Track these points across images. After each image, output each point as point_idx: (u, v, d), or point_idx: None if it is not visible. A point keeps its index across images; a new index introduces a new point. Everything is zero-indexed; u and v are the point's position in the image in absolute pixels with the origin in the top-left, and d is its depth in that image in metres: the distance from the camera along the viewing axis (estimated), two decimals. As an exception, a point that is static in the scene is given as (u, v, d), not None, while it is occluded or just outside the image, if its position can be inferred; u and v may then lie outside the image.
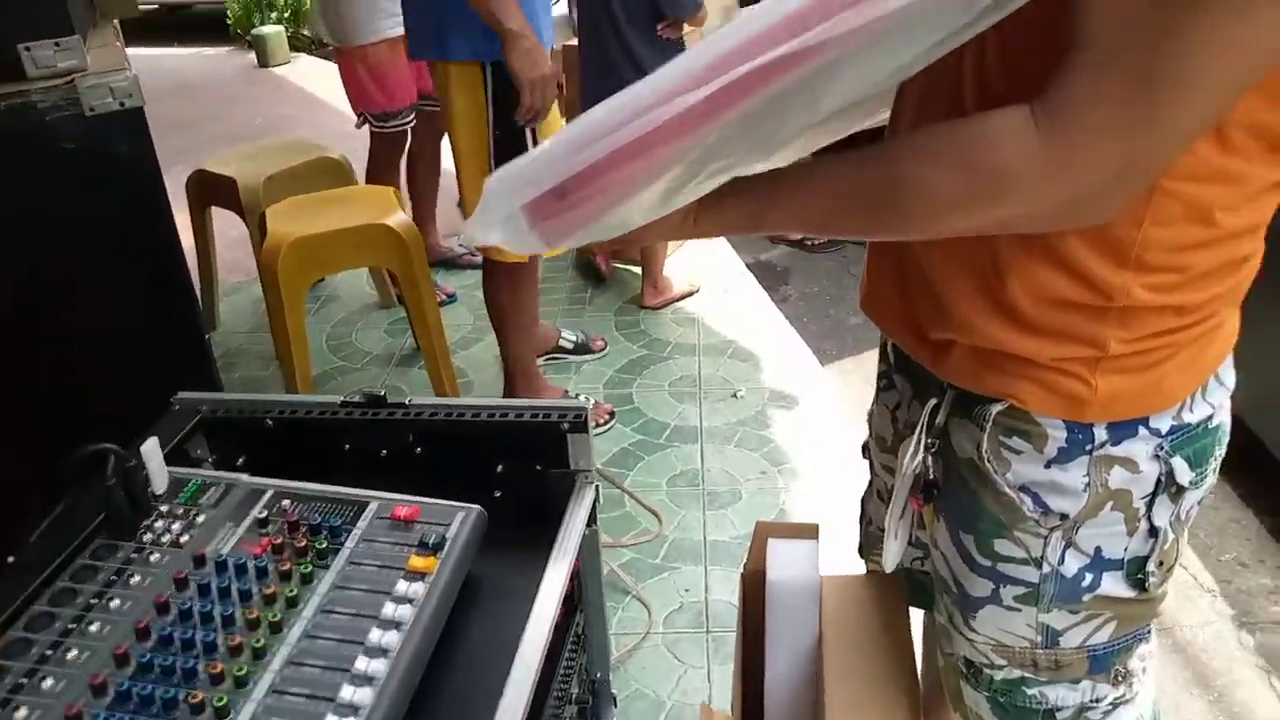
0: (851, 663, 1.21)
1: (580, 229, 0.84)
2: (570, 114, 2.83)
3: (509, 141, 2.33)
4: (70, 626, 0.91)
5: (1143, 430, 0.91)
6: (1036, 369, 0.90)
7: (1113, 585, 0.96)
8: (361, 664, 0.89)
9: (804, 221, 0.90)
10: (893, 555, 1.12)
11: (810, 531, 1.49)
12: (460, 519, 1.08)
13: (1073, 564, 0.95)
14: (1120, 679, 1.02)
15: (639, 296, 3.60)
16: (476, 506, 1.10)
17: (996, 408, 0.93)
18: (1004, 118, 0.74)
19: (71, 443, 1.03)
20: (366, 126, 3.41)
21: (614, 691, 1.44)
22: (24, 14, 1.70)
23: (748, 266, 3.91)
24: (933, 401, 1.00)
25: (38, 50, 1.72)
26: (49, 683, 0.86)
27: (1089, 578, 0.96)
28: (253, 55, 7.50)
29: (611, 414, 2.94)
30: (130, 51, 2.03)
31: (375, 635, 0.92)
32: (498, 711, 0.91)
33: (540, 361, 3.11)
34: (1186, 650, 2.15)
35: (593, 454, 1.25)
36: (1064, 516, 0.93)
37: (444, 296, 3.48)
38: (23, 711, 0.83)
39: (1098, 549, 0.95)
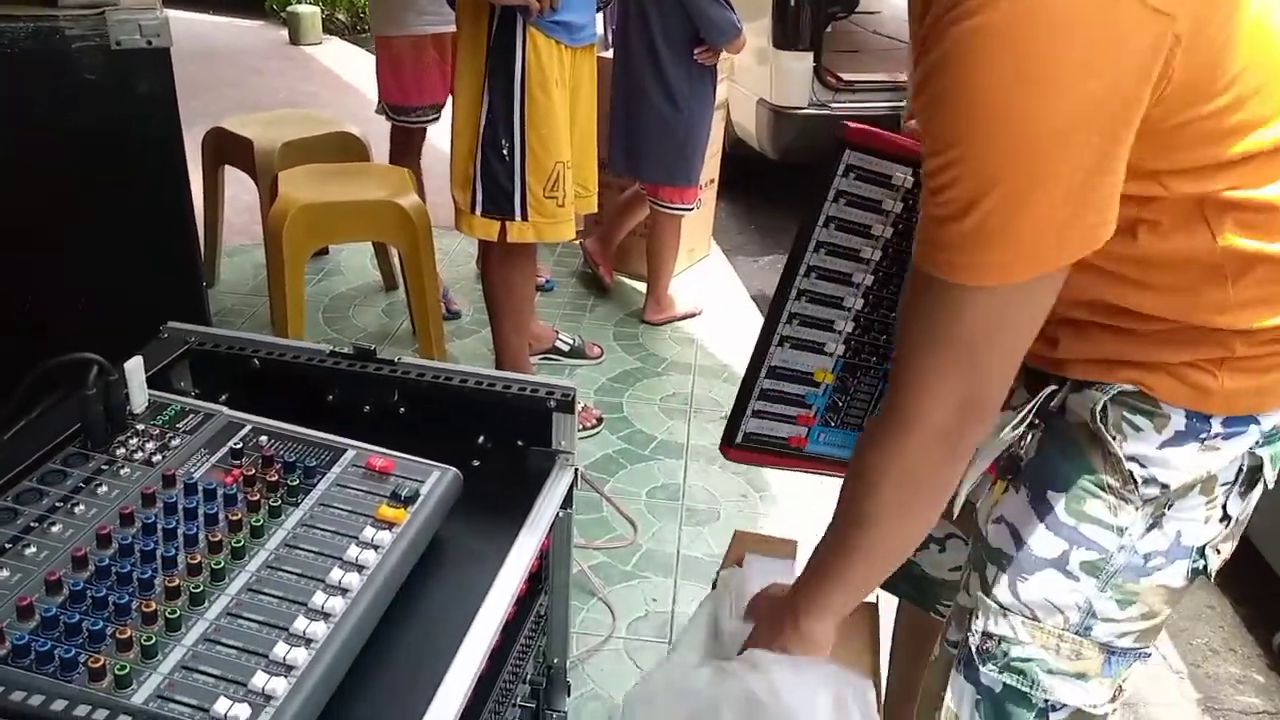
0: None
1: None
2: (601, 127, 2.83)
3: (502, 105, 2.38)
4: (32, 525, 0.90)
5: (1252, 427, 0.97)
6: (1168, 366, 0.95)
7: (1173, 575, 1.02)
8: (319, 599, 0.87)
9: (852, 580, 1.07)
10: (959, 502, 1.12)
11: (788, 549, 1.48)
12: (435, 478, 1.07)
13: (1150, 543, 1.00)
14: (1114, 696, 1.06)
15: (641, 310, 3.60)
16: (453, 468, 1.09)
17: (1124, 388, 0.97)
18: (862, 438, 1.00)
19: (57, 352, 1.02)
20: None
21: (569, 681, 1.42)
22: (63, -56, 1.71)
23: (752, 297, 3.91)
24: (1051, 388, 1.04)
25: (73, -21, 1.73)
26: (3, 574, 0.84)
27: (1159, 560, 1.01)
28: (285, 31, 7.55)
29: (599, 419, 2.93)
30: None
31: (336, 574, 0.91)
32: (450, 667, 0.90)
33: (534, 360, 3.10)
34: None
35: (575, 438, 1.24)
36: (1164, 488, 0.98)
37: (448, 312, 3.45)
38: (-28, 597, 0.81)
39: (1178, 533, 1.00)
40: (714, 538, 2.49)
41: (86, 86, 1.74)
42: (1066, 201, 0.77)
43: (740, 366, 3.32)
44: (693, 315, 3.63)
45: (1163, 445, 0.97)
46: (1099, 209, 0.79)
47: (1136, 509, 1.00)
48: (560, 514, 1.20)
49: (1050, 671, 1.04)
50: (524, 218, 2.47)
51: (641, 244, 3.66)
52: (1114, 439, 0.98)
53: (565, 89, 2.46)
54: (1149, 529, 1.00)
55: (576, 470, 1.24)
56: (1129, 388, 0.97)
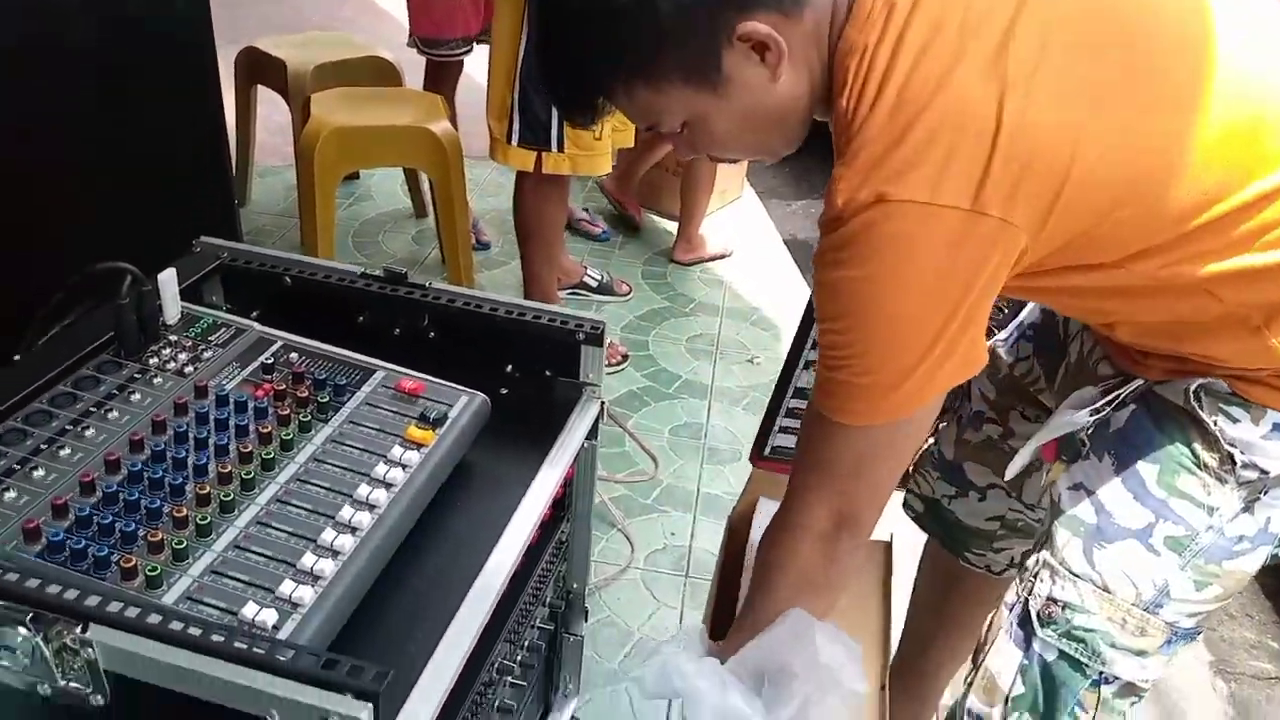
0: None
1: None
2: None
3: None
4: (67, 427, 0.92)
5: None
6: (1260, 376, 0.97)
7: (1254, 560, 1.02)
8: (346, 514, 0.89)
9: None
10: (1016, 468, 1.19)
11: None
12: (464, 402, 1.08)
13: (1240, 527, 1.00)
14: (1160, 668, 1.06)
15: (671, 249, 3.58)
16: (481, 394, 1.10)
17: (1217, 383, 0.98)
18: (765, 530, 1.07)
19: (90, 263, 1.03)
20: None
21: (587, 607, 1.44)
22: None
23: (784, 241, 3.87)
24: (1138, 382, 1.05)
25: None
26: (40, 473, 0.86)
27: (1245, 545, 1.01)
28: (321, -46, 7.45)
29: (625, 356, 2.93)
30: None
31: (364, 491, 0.92)
32: (473, 587, 0.91)
33: (562, 294, 3.10)
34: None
35: (603, 371, 1.24)
36: (1264, 473, 0.98)
37: (477, 243, 3.41)
38: (11, 494, 0.83)
39: (1268, 520, 1.01)
40: (734, 476, 2.50)
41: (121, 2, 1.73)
42: (914, 361, 0.89)
43: (770, 310, 3.32)
44: (723, 256, 3.60)
45: (1264, 436, 0.97)
46: (946, 360, 0.90)
47: (1232, 490, 0.99)
48: (585, 445, 1.20)
49: (1114, 645, 1.04)
50: (560, 149, 2.45)
51: (674, 182, 3.62)
52: (1213, 421, 0.98)
53: None
54: (1240, 512, 1.00)
55: (602, 403, 1.24)
56: (1221, 384, 0.97)
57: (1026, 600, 1.08)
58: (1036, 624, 1.07)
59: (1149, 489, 1.01)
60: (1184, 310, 0.95)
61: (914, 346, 0.89)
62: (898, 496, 1.50)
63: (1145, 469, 1.02)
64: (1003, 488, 1.34)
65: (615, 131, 2.61)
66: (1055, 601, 1.06)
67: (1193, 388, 0.98)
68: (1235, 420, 0.98)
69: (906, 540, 1.57)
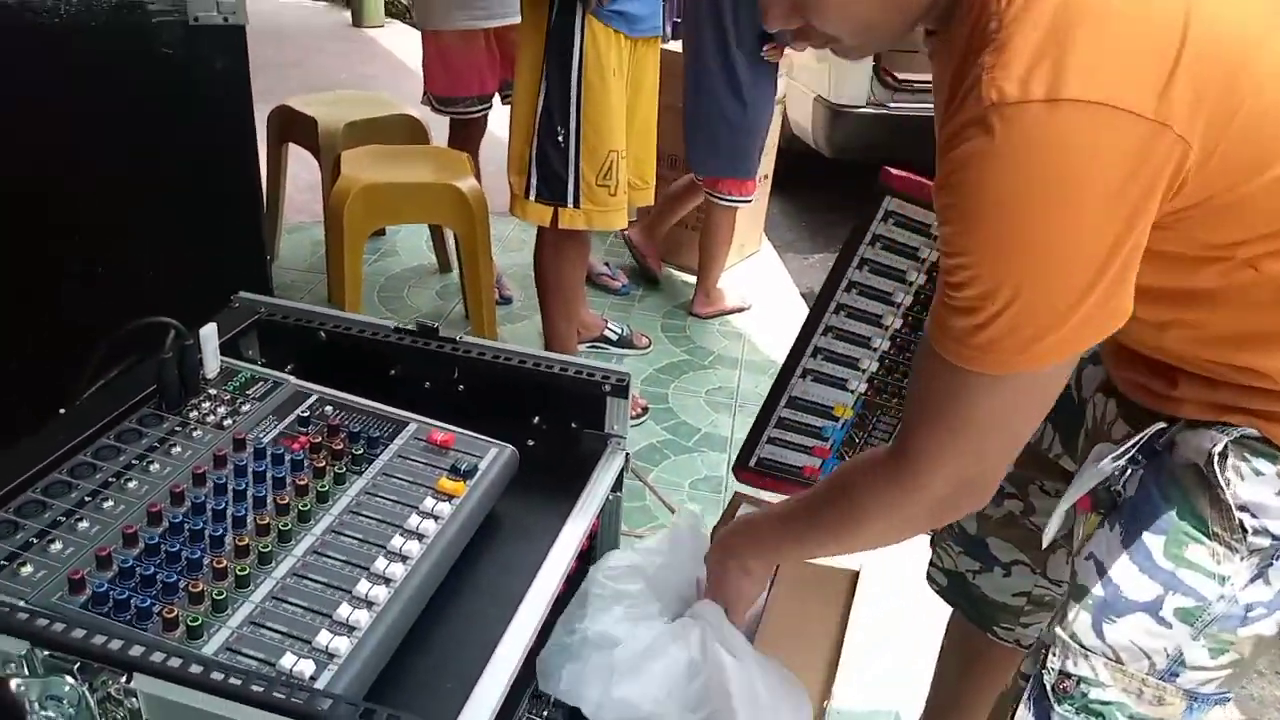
0: (784, 630, 1.27)
1: None
2: (677, 127, 2.81)
3: (559, 91, 2.38)
4: (110, 480, 0.94)
5: None
6: None
7: (1271, 624, 0.98)
8: (380, 565, 0.90)
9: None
10: (1052, 532, 1.13)
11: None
12: (494, 454, 1.09)
13: (1253, 594, 0.96)
14: None
15: (690, 303, 3.61)
16: (510, 446, 1.12)
17: (1245, 431, 0.94)
18: (865, 469, 1.00)
19: (124, 318, 1.06)
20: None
21: (611, 662, 1.44)
22: (143, -78, 1.75)
23: (802, 294, 3.90)
24: (1160, 425, 1.00)
25: (153, -44, 1.77)
26: (84, 525, 0.88)
27: (1260, 611, 0.97)
28: (348, 14, 7.65)
29: (645, 409, 2.95)
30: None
31: (397, 542, 0.93)
32: (502, 640, 0.92)
33: (583, 348, 3.12)
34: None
35: (628, 423, 1.26)
36: (1276, 539, 0.94)
37: (500, 297, 3.44)
38: (57, 545, 0.85)
39: None
40: (755, 531, 2.49)
41: (164, 60, 1.78)
42: (1074, 301, 0.78)
43: (788, 362, 3.33)
44: (741, 310, 3.63)
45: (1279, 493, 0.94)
46: (1108, 300, 0.80)
47: (1242, 559, 0.95)
48: (610, 497, 1.22)
49: (1132, 716, 1.01)
50: (576, 205, 2.49)
51: (693, 236, 3.67)
52: (1227, 485, 0.94)
53: (623, 78, 2.47)
54: (1253, 579, 0.96)
55: (627, 455, 1.25)
56: (1251, 432, 0.93)
57: (1041, 674, 1.06)
58: (1053, 698, 1.04)
59: (1156, 561, 0.98)
60: (1264, 321, 0.89)
61: (1075, 284, 0.77)
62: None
63: (1151, 540, 0.98)
64: (1027, 563, 1.32)
65: (634, 189, 2.65)
66: (1069, 676, 1.03)
67: (1218, 448, 0.94)
68: (1259, 474, 0.94)
69: (931, 607, 1.55)
